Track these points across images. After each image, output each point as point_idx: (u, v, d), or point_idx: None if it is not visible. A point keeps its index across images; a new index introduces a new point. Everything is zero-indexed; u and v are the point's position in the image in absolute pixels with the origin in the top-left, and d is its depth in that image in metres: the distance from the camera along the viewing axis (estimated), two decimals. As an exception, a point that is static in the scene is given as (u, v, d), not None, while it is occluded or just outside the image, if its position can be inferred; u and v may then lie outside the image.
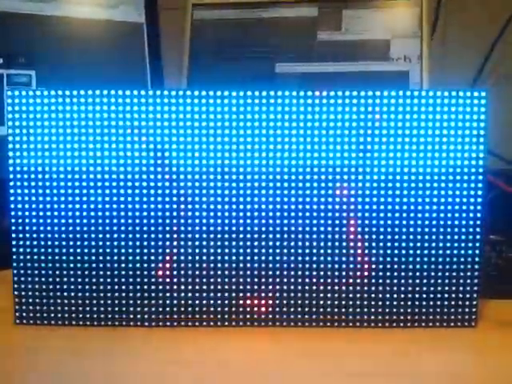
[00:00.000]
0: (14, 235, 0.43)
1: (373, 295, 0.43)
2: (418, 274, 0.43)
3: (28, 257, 0.43)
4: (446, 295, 0.43)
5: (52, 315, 0.44)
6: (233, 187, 0.43)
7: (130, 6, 0.71)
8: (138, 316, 0.43)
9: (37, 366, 0.39)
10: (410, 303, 0.43)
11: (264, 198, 0.42)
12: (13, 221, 0.43)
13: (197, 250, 0.43)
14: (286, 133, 0.42)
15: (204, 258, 0.43)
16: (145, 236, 0.43)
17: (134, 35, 0.71)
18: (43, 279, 0.43)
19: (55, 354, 0.40)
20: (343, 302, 0.43)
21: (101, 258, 0.43)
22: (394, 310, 0.43)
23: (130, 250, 0.43)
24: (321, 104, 0.42)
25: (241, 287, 0.43)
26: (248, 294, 0.43)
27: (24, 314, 0.44)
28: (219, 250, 0.43)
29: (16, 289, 0.44)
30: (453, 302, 0.43)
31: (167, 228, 0.43)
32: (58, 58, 0.66)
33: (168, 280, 0.43)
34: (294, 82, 0.69)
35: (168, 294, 0.43)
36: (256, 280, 0.43)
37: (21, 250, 0.43)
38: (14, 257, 0.43)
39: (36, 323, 0.44)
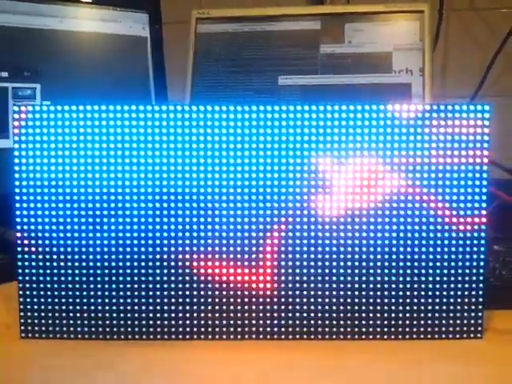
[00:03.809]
0: (19, 249, 0.43)
1: (378, 307, 0.43)
2: (422, 286, 0.43)
3: (34, 271, 0.43)
4: (452, 307, 0.43)
5: (57, 329, 0.44)
6: (237, 201, 0.43)
7: (133, 20, 0.72)
8: (144, 330, 0.43)
9: (44, 381, 0.39)
10: (415, 315, 0.43)
11: (269, 211, 0.43)
12: (18, 235, 0.43)
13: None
14: (291, 147, 0.43)
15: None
16: (150, 250, 0.43)
17: (137, 49, 0.72)
18: (49, 293, 0.43)
19: (61, 370, 0.40)
20: (348, 315, 0.43)
21: (106, 271, 0.43)
22: (400, 322, 0.43)
23: (135, 264, 0.43)
24: (325, 118, 0.42)
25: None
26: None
27: (29, 328, 0.44)
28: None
29: (21, 303, 0.44)
30: (458, 314, 0.43)
31: (179, 242, 0.43)
32: (62, 72, 0.67)
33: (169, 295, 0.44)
34: (296, 94, 0.70)
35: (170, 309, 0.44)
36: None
37: (26, 263, 0.43)
38: (20, 270, 0.43)
39: (42, 337, 0.44)
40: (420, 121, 0.42)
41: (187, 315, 0.43)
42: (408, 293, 0.43)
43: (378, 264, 0.43)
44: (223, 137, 0.42)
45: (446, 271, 0.43)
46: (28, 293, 0.43)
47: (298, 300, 0.43)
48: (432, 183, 0.42)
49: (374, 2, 0.72)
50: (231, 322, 0.43)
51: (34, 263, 0.43)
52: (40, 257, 0.43)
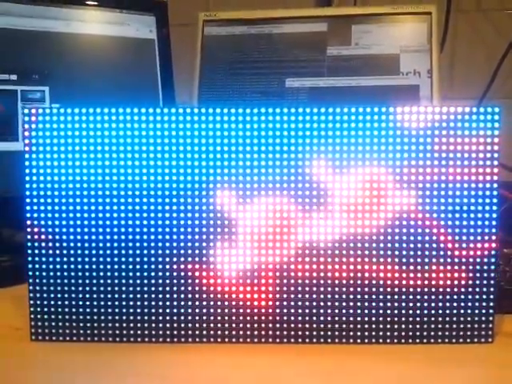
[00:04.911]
0: (29, 251, 0.44)
1: (389, 311, 0.43)
2: (433, 290, 0.43)
3: (44, 273, 0.43)
4: (462, 311, 0.43)
5: (68, 331, 0.44)
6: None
7: (140, 23, 0.72)
8: (153, 332, 0.44)
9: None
10: (426, 319, 0.43)
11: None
12: (28, 237, 0.44)
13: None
14: (300, 149, 0.43)
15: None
16: (159, 252, 0.43)
17: (145, 52, 0.72)
18: (59, 295, 0.44)
19: (70, 371, 0.40)
20: (359, 319, 0.43)
21: (116, 274, 0.43)
22: (411, 326, 0.43)
23: (146, 266, 0.43)
24: (327, 120, 0.42)
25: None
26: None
27: (40, 331, 0.44)
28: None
29: (32, 305, 0.44)
30: (469, 318, 0.43)
31: (181, 245, 0.43)
32: (70, 75, 0.67)
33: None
34: (304, 96, 0.70)
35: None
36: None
37: (37, 266, 0.44)
38: (30, 273, 0.44)
39: (52, 339, 0.44)
40: (430, 123, 0.42)
41: (196, 318, 0.43)
42: (418, 297, 0.43)
43: (389, 267, 0.43)
44: (232, 139, 0.43)
45: (456, 275, 0.43)
46: (38, 295, 0.44)
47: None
48: (442, 186, 0.42)
49: (381, 4, 0.72)
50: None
51: (44, 266, 0.43)
52: (51, 259, 0.43)
